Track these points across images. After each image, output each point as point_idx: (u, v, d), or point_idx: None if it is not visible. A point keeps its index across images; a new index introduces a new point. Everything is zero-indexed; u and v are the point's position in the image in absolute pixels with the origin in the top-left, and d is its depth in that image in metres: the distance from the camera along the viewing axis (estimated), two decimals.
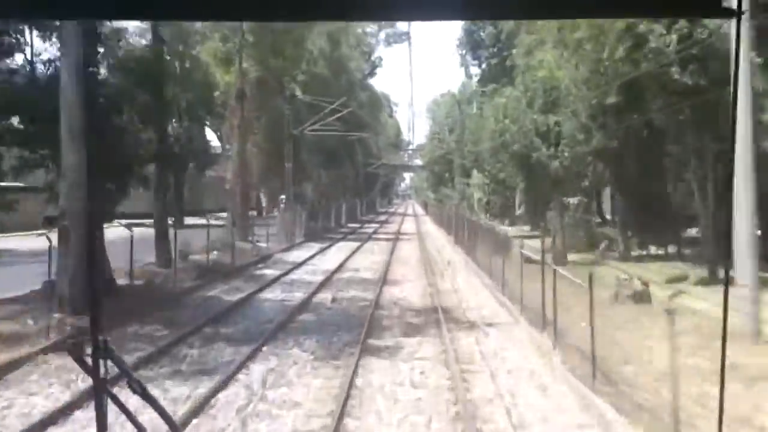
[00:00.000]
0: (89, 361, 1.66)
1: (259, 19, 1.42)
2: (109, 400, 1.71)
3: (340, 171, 60.98)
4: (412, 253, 33.60)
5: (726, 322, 1.54)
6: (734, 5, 1.41)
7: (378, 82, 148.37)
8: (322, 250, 33.40)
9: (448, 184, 67.08)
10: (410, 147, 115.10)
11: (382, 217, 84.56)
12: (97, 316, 1.93)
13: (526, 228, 49.57)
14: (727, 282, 1.80)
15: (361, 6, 1.36)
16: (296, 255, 30.53)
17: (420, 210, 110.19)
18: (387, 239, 42.88)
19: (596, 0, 1.37)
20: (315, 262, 28.02)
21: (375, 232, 51.00)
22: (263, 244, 33.04)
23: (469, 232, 32.36)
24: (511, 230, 42.04)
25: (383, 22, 66.40)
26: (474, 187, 46.58)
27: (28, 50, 17.32)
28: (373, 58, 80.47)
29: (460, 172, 54.98)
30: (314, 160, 51.66)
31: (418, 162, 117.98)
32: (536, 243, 31.14)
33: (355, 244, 37.48)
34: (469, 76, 65.76)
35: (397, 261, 29.10)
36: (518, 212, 56.54)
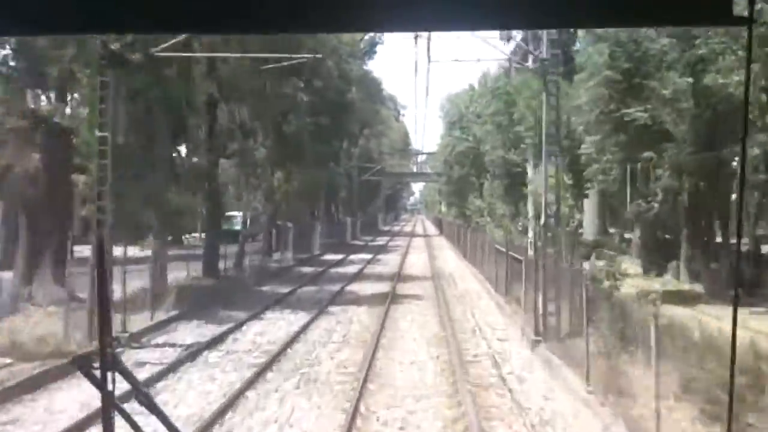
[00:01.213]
0: (98, 374, 1.67)
1: (251, 31, 1.55)
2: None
3: (316, 174, 39.79)
4: (431, 388, 11.58)
5: (735, 329, 1.58)
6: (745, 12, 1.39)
7: (384, 83, 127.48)
8: (158, 379, 11.49)
9: (475, 192, 45.33)
10: (420, 155, 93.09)
11: (382, 240, 62.19)
12: (105, 330, 1.77)
13: (635, 270, 27.18)
14: (737, 294, 2.71)
15: (358, 17, 1.33)
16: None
17: (432, 228, 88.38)
18: (373, 299, 21.05)
19: (606, 10, 1.36)
20: None
21: (357, 276, 28.88)
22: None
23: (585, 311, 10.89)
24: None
25: None
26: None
27: None
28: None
29: (502, 170, 33.16)
30: (256, 148, 30.01)
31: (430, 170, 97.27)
32: None
33: (288, 330, 15.71)
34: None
35: None
36: (589, 236, 34.36)
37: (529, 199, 21.25)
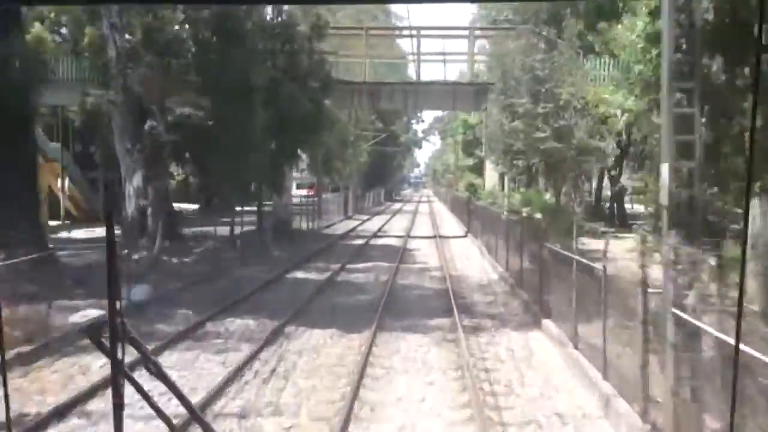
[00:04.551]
0: (107, 343, 1.64)
1: (249, 1, 2.78)
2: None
3: None
4: None
5: (739, 328, 1.51)
6: None
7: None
8: None
9: None
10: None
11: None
12: (115, 299, 1.69)
13: None
14: (743, 279, 1.83)
15: None
16: None
17: (450, 223, 44.04)
18: None
19: None
20: None
21: None
22: None
23: None
24: None
25: None
26: None
27: None
28: None
29: None
30: None
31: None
32: None
33: None
34: None
35: None
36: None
37: None
